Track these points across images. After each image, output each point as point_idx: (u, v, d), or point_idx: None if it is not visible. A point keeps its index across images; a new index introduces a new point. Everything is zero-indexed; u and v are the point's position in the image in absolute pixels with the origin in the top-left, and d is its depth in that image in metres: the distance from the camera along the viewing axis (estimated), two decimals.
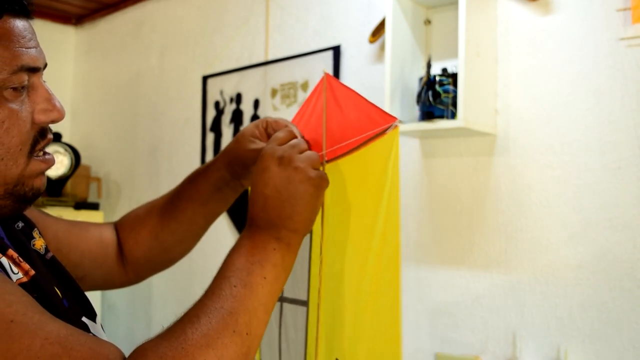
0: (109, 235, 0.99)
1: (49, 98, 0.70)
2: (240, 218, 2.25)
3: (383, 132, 0.76)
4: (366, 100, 0.81)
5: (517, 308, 1.50)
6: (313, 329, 0.88)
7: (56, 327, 0.58)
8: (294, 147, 0.78)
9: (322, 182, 0.77)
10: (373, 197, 0.78)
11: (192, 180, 0.97)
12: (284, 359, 0.96)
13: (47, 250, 0.80)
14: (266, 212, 0.75)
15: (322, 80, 0.88)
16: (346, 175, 0.83)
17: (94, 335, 0.75)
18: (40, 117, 0.69)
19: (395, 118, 0.76)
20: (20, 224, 0.79)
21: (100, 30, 3.14)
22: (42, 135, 0.71)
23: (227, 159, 0.92)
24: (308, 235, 0.90)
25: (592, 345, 1.38)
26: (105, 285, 1.00)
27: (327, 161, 0.85)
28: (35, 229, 0.81)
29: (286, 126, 0.87)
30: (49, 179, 2.55)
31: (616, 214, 1.36)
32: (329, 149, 0.85)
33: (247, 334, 0.64)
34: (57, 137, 2.62)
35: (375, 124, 0.78)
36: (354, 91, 0.84)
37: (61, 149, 2.60)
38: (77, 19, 3.21)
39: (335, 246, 0.84)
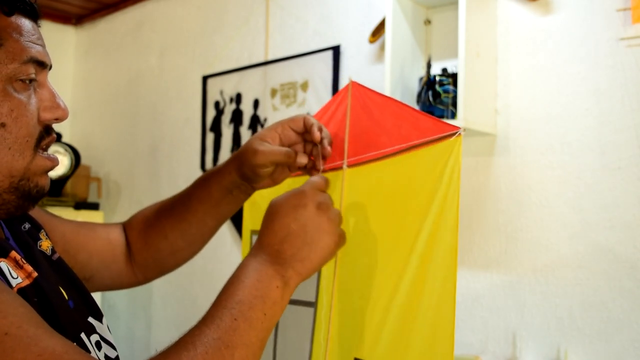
0: (117, 236, 0.99)
1: (54, 97, 0.72)
2: (240, 221, 2.25)
3: (439, 140, 0.76)
4: (412, 108, 0.81)
5: (517, 308, 1.50)
6: (321, 330, 0.88)
7: (52, 344, 0.57)
8: (329, 199, 0.78)
9: (341, 242, 0.78)
10: (416, 202, 0.77)
11: (204, 182, 0.96)
12: (280, 357, 0.96)
13: (53, 251, 0.80)
14: (282, 246, 0.74)
15: (346, 87, 0.88)
16: (384, 178, 0.82)
17: (99, 334, 0.75)
18: (46, 115, 0.71)
19: (457, 127, 0.75)
20: (27, 226, 0.79)
21: (100, 30, 3.14)
22: (47, 133, 0.72)
23: (238, 162, 0.91)
24: None
25: (592, 345, 1.38)
26: (113, 285, 1.00)
27: (350, 166, 0.85)
28: (42, 230, 0.81)
29: (302, 120, 0.88)
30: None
31: (616, 214, 1.36)
32: (356, 155, 0.85)
33: None
34: (57, 137, 2.62)
35: (422, 132, 0.78)
36: (392, 98, 0.84)
37: (61, 149, 2.61)
38: (77, 19, 3.21)
39: (357, 248, 0.84)
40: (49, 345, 0.56)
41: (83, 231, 0.94)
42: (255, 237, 1.05)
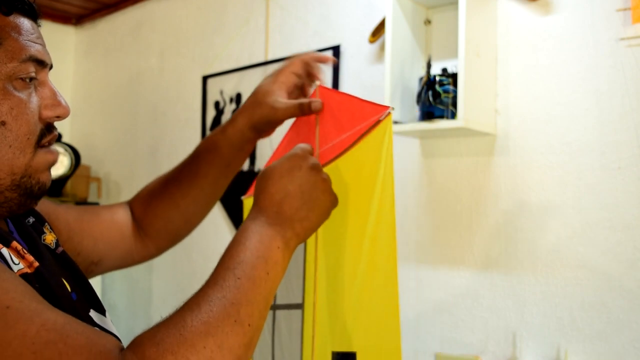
0: (122, 215, 1.00)
1: (55, 94, 0.73)
2: (240, 221, 2.25)
3: (377, 123, 0.77)
4: (357, 98, 0.83)
5: (517, 308, 1.50)
6: (309, 329, 0.89)
7: (53, 315, 0.58)
8: (318, 162, 0.80)
9: (335, 202, 0.80)
10: (367, 187, 0.79)
11: (212, 145, 0.98)
12: None
13: (57, 244, 0.80)
14: (281, 208, 0.75)
15: (314, 93, 0.89)
16: (344, 174, 0.84)
17: (101, 326, 0.76)
18: (47, 113, 0.72)
19: (387, 107, 0.77)
20: (31, 219, 0.80)
21: (100, 30, 3.14)
22: (49, 130, 0.73)
23: (250, 120, 0.94)
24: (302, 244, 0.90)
25: (592, 345, 1.38)
26: (124, 264, 1.01)
27: (324, 164, 0.86)
28: (46, 223, 0.82)
29: (305, 61, 0.92)
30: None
31: (616, 214, 1.36)
32: (322, 149, 0.86)
33: (249, 325, 0.63)
34: (57, 137, 2.62)
35: (367, 118, 0.79)
36: (345, 94, 0.86)
37: (61, 149, 2.60)
38: (77, 19, 3.21)
39: (331, 243, 0.85)
40: (51, 317, 0.57)
41: (87, 217, 0.94)
42: None
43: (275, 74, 0.94)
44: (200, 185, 0.99)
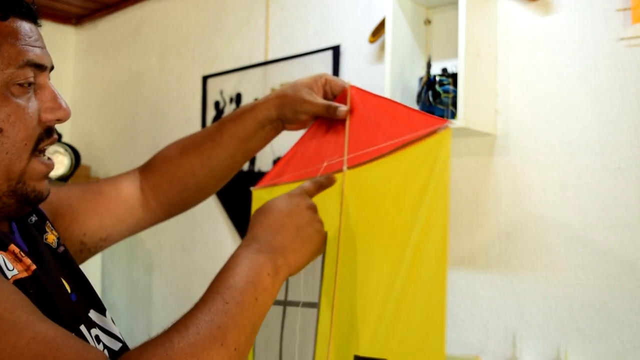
0: (128, 188, 1.00)
1: (55, 97, 0.72)
2: (240, 221, 2.25)
3: (428, 135, 0.77)
4: (403, 105, 0.83)
5: (517, 308, 1.50)
6: (324, 329, 0.88)
7: (44, 327, 0.57)
8: (314, 205, 0.83)
9: (324, 246, 0.83)
10: (411, 197, 0.78)
11: (238, 118, 0.99)
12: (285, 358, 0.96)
13: (59, 244, 0.81)
14: (275, 238, 0.76)
15: (345, 92, 0.91)
16: (378, 178, 0.83)
17: (101, 326, 0.76)
18: (47, 116, 0.71)
19: (445, 120, 0.77)
20: (34, 218, 0.80)
21: (100, 30, 3.14)
22: (48, 134, 0.72)
23: (281, 101, 0.96)
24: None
25: (592, 345, 1.38)
26: (132, 233, 1.02)
27: (350, 167, 0.87)
28: (47, 222, 0.82)
29: (343, 87, 0.95)
30: (49, 179, 2.54)
31: (616, 214, 1.36)
32: (352, 155, 0.86)
33: (235, 349, 0.63)
34: (58, 137, 2.62)
35: (414, 128, 0.79)
36: (387, 99, 0.86)
37: (61, 149, 2.60)
38: (77, 19, 3.21)
39: (356, 247, 0.85)
40: (42, 329, 0.57)
41: (89, 195, 0.94)
42: None
43: (319, 77, 0.98)
44: (219, 157, 0.99)
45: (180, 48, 2.64)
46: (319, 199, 0.88)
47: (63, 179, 2.63)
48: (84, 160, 2.88)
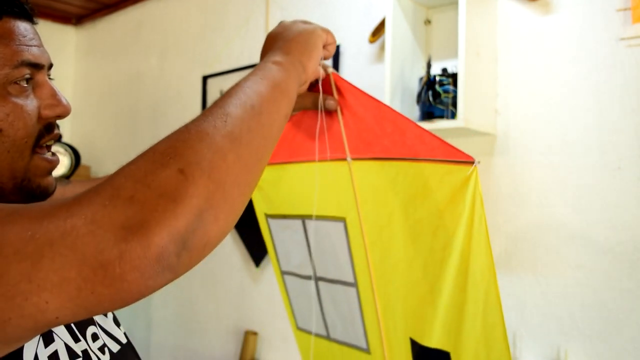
0: None
1: (55, 94, 0.72)
2: (240, 223, 2.25)
3: (453, 162, 0.78)
4: (412, 122, 0.82)
5: (517, 308, 1.50)
6: (369, 307, 0.93)
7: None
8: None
9: (317, 26, 0.81)
10: (443, 214, 0.80)
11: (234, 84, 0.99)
12: (332, 329, 1.01)
13: None
14: (266, 48, 0.78)
15: (327, 79, 0.88)
16: (391, 177, 0.84)
17: (102, 327, 0.76)
18: (47, 112, 0.71)
19: (471, 157, 0.78)
20: None
21: (100, 30, 3.14)
22: (49, 130, 0.72)
23: None
24: (342, 224, 0.93)
25: (592, 345, 1.38)
26: None
27: (355, 159, 0.87)
28: None
29: (325, 72, 0.91)
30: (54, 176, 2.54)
31: (616, 214, 1.36)
32: (357, 149, 0.87)
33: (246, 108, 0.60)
34: (59, 133, 2.62)
35: (433, 151, 0.80)
36: (381, 102, 0.84)
37: (61, 149, 2.60)
38: (77, 19, 3.21)
39: (384, 239, 0.88)
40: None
41: None
42: (270, 220, 1.07)
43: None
44: None
45: (180, 48, 2.64)
46: (329, 187, 0.90)
47: (64, 178, 2.63)
48: (84, 160, 2.88)
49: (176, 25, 2.67)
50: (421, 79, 1.58)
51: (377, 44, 1.85)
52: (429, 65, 1.56)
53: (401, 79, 1.62)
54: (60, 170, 2.59)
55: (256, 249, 2.17)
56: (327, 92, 0.89)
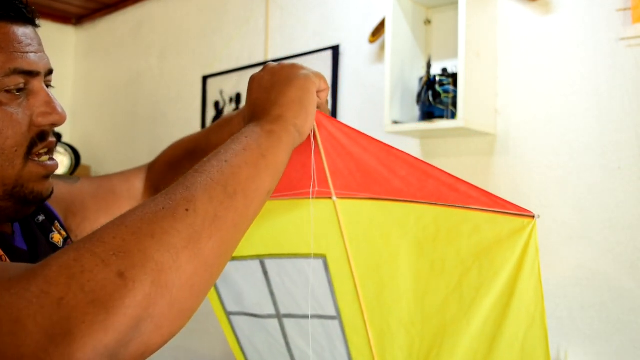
0: (139, 187, 0.98)
1: (50, 102, 0.70)
2: None
3: (508, 214, 0.78)
4: (438, 169, 0.80)
5: None
6: (358, 340, 0.91)
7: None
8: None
9: (310, 72, 0.71)
10: (481, 264, 0.79)
11: (223, 121, 0.94)
12: None
13: (65, 243, 0.80)
14: (250, 109, 0.69)
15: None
16: (394, 218, 0.83)
17: None
18: (40, 120, 0.70)
19: (529, 211, 0.77)
20: (41, 218, 0.79)
21: (100, 30, 3.14)
22: (42, 138, 0.70)
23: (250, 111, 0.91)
24: (322, 260, 0.90)
25: (592, 345, 1.38)
26: None
27: (343, 197, 0.85)
28: (56, 221, 0.81)
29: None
30: (57, 176, 2.54)
31: (616, 214, 1.36)
32: (358, 188, 0.84)
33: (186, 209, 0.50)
34: (57, 137, 2.62)
35: (469, 199, 0.79)
36: (381, 142, 0.80)
37: (61, 149, 2.61)
38: (77, 19, 3.21)
39: (379, 274, 0.87)
40: None
41: (102, 194, 0.93)
42: (230, 263, 1.05)
43: None
44: None
45: (180, 48, 2.64)
46: (302, 225, 0.88)
47: (73, 176, 2.63)
48: (84, 160, 2.88)
49: (176, 25, 2.67)
50: (421, 79, 1.58)
51: (377, 44, 1.85)
52: (429, 65, 1.56)
53: (401, 79, 1.62)
54: (60, 170, 2.59)
55: None
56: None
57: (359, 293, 0.89)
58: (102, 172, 2.98)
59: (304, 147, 0.81)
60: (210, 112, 2.44)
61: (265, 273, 0.96)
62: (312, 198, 0.86)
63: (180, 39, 2.64)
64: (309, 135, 0.77)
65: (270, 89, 0.68)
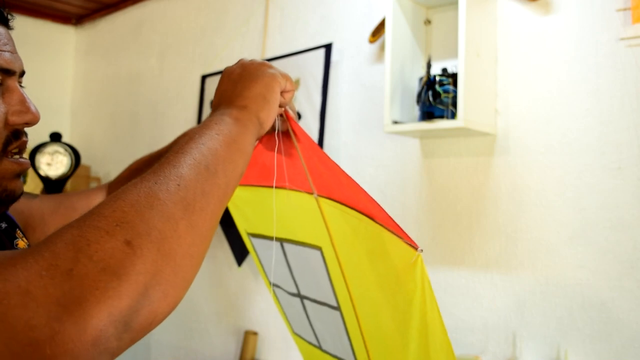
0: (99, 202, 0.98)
1: (24, 101, 0.71)
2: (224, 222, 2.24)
3: (403, 240, 0.76)
4: (357, 185, 0.79)
5: (517, 308, 1.50)
6: (355, 333, 0.92)
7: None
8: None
9: (277, 72, 0.75)
10: (400, 281, 0.80)
11: (188, 133, 0.94)
12: (322, 342, 1.02)
13: None
14: (217, 99, 0.73)
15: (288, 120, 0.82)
16: (356, 226, 0.82)
17: None
18: (14, 119, 0.70)
19: (415, 244, 0.75)
20: (3, 225, 0.79)
21: (100, 30, 3.14)
22: (16, 137, 0.71)
23: None
24: (319, 252, 0.91)
25: (592, 345, 1.38)
26: None
27: (322, 196, 0.85)
28: (18, 229, 0.81)
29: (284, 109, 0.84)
30: (49, 179, 2.55)
31: (616, 214, 1.36)
32: (323, 188, 0.84)
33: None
34: (57, 137, 2.63)
35: (383, 220, 0.77)
36: (325, 155, 0.81)
37: (61, 149, 2.60)
38: (77, 19, 3.21)
39: (360, 276, 0.87)
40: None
41: (62, 210, 0.93)
42: (252, 238, 1.06)
43: None
44: None
45: (180, 48, 2.64)
46: (303, 215, 0.89)
47: (63, 179, 2.63)
48: (84, 160, 2.88)
49: (176, 25, 2.67)
50: (421, 79, 1.58)
51: (377, 44, 1.85)
52: (429, 65, 1.56)
53: (401, 79, 1.62)
54: (60, 170, 2.59)
55: (239, 250, 2.15)
56: (287, 135, 0.84)
57: (348, 287, 0.89)
58: (102, 172, 2.98)
59: (291, 145, 0.85)
60: (209, 112, 2.44)
61: (285, 254, 0.99)
62: (297, 190, 0.89)
63: (180, 39, 2.64)
64: (297, 134, 0.81)
65: (238, 81, 0.72)
